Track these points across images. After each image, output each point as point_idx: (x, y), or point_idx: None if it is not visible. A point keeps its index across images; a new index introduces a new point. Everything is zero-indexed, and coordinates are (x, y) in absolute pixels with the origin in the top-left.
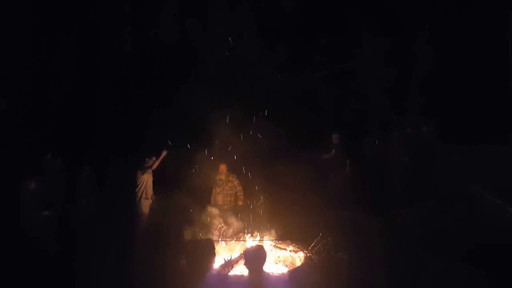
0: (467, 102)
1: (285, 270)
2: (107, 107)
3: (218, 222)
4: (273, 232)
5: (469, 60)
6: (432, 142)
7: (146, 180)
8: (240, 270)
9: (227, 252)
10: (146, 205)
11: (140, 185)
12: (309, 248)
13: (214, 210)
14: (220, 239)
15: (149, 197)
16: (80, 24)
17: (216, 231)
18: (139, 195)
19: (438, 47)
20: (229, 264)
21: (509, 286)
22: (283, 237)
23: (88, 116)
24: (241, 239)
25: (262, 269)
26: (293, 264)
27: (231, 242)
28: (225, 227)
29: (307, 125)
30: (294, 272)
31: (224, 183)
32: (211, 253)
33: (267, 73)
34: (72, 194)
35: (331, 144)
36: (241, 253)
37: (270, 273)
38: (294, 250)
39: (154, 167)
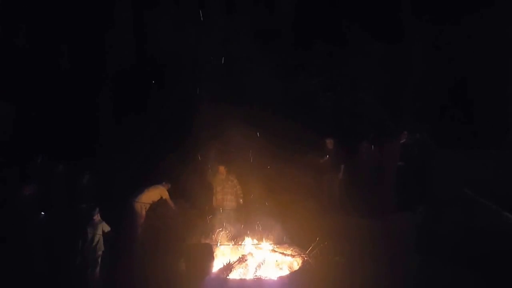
0: (463, 107)
1: (283, 273)
2: (109, 111)
3: (216, 226)
4: (271, 236)
5: (465, 66)
6: (427, 147)
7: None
8: (239, 273)
9: (225, 256)
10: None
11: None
12: (307, 252)
13: (212, 214)
14: (218, 243)
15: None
16: (81, 28)
17: (215, 235)
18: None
19: (433, 53)
20: (228, 268)
21: None
22: (281, 241)
23: (90, 121)
24: (240, 243)
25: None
26: (291, 268)
27: (229, 246)
28: (223, 231)
29: (304, 130)
30: (292, 276)
31: (224, 182)
32: (210, 257)
33: (265, 78)
34: (72, 199)
35: (326, 149)
36: (239, 257)
37: (269, 277)
38: (292, 254)
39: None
